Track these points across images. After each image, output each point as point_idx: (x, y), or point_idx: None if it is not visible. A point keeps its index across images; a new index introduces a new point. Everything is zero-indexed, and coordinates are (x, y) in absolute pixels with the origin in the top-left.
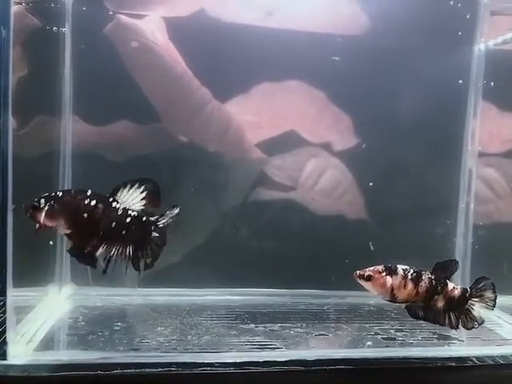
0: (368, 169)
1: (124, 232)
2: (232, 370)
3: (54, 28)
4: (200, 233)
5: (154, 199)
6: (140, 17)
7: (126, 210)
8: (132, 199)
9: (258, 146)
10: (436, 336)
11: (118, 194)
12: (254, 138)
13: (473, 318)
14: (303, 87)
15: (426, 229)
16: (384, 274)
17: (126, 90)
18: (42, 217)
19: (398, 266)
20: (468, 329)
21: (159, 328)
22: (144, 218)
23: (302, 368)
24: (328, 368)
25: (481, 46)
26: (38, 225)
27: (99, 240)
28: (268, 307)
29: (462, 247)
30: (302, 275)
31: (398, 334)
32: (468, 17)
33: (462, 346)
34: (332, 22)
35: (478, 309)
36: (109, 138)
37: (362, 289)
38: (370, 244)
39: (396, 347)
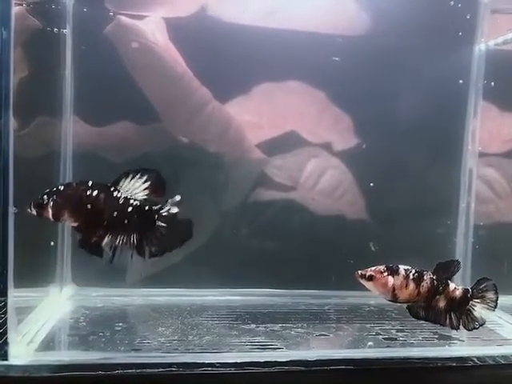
0: (368, 169)
1: (126, 221)
2: (233, 370)
3: (55, 29)
4: (200, 233)
5: (158, 189)
6: (140, 17)
7: (127, 199)
8: (134, 189)
9: (258, 146)
10: (437, 336)
11: (120, 184)
12: (255, 138)
13: (474, 319)
14: (303, 87)
15: (427, 229)
16: (386, 273)
17: (126, 90)
18: (49, 213)
19: (399, 266)
20: (469, 330)
21: (160, 328)
22: (146, 207)
23: (302, 368)
24: (329, 368)
25: (481, 46)
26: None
27: (104, 230)
28: (269, 307)
29: (462, 247)
30: (303, 275)
31: (399, 334)
32: (468, 17)
33: (462, 346)
34: (332, 22)
35: (479, 309)
36: (109, 139)
37: (363, 289)
38: (371, 244)
39: (397, 347)
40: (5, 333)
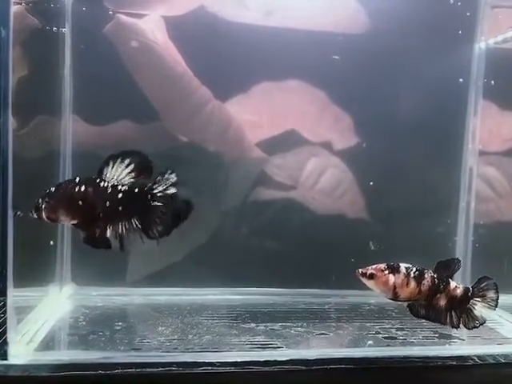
0: (368, 168)
1: (120, 208)
2: (233, 369)
3: (54, 28)
4: (200, 232)
5: (144, 170)
6: (140, 16)
7: (114, 186)
8: (119, 174)
9: (259, 146)
10: (437, 335)
11: (104, 173)
12: (254, 138)
13: (474, 318)
14: (303, 86)
15: (427, 228)
16: (386, 272)
17: (126, 89)
18: (44, 215)
19: (400, 264)
20: (469, 328)
21: (160, 327)
22: (136, 190)
23: (302, 367)
24: (329, 367)
25: (481, 45)
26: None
27: (103, 222)
28: (269, 306)
29: (462, 246)
30: (303, 274)
31: (399, 333)
32: (468, 15)
33: (463, 344)
34: (332, 20)
35: (479, 308)
36: (109, 138)
37: (363, 288)
38: (371, 243)
39: (397, 346)
40: (4, 332)
